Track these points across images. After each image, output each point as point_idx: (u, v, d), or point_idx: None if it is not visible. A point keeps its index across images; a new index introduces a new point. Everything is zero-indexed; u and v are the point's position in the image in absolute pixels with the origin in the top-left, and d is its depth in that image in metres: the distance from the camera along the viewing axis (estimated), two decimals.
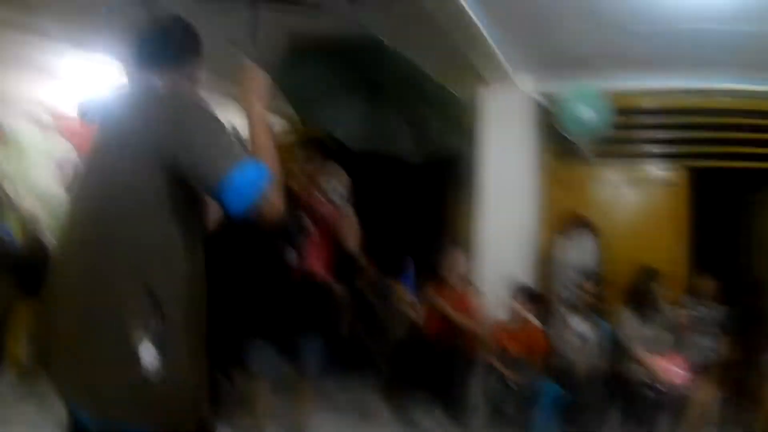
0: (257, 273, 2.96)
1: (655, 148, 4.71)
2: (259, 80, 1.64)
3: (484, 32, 3.85)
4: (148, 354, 1.30)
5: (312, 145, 3.28)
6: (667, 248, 4.52)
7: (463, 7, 3.49)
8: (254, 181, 1.37)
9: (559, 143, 4.74)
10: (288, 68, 3.15)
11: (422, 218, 6.18)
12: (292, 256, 3.05)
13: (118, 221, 1.39)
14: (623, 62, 4.26)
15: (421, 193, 6.20)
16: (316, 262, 3.10)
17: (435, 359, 4.12)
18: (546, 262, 4.67)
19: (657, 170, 4.76)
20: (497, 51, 4.13)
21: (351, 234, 3.09)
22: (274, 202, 1.41)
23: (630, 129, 4.63)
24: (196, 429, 1.47)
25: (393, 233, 6.30)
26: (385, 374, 4.54)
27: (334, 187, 3.02)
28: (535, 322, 4.17)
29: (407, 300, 4.82)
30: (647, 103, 4.66)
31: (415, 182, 6.17)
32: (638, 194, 4.72)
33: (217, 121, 1.44)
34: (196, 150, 1.39)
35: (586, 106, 4.29)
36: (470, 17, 3.61)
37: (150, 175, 1.38)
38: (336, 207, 3.06)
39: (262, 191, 1.37)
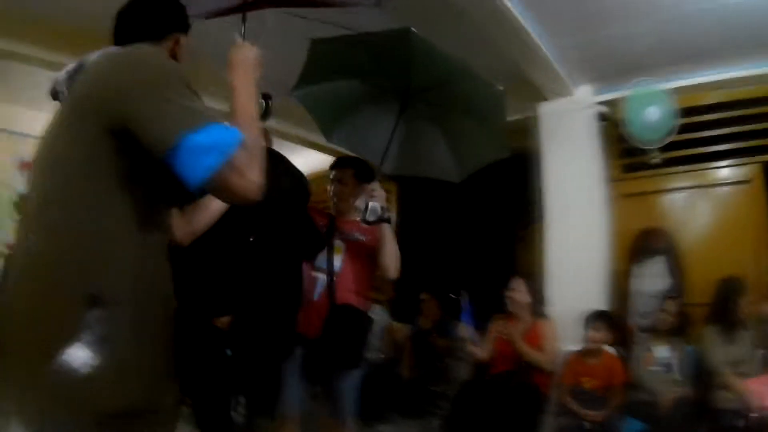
0: (279, 299, 2.72)
1: (725, 146, 4.25)
2: (246, 53, 1.53)
3: (540, 45, 3.72)
4: (81, 353, 1.13)
5: (346, 164, 3.08)
6: (748, 255, 4.03)
7: (518, 21, 3.42)
8: (218, 145, 1.17)
9: (625, 155, 4.44)
10: (309, 77, 3.00)
11: (485, 247, 5.85)
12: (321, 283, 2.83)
13: (58, 203, 1.22)
14: (680, 56, 3.95)
15: (482, 220, 5.92)
16: (349, 290, 2.85)
17: (503, 399, 3.74)
18: (620, 284, 4.27)
19: (728, 170, 4.28)
20: (554, 63, 3.96)
21: (389, 259, 2.83)
22: (246, 175, 1.19)
23: (696, 129, 4.24)
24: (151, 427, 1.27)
25: (454, 264, 6.06)
26: (449, 418, 4.13)
27: (372, 209, 2.74)
28: (613, 351, 3.79)
29: (470, 337, 4.41)
30: (711, 99, 4.24)
31: (472, 209, 5.96)
32: (711, 199, 4.26)
33: (182, 81, 1.25)
34: (148, 107, 1.20)
35: (650, 107, 4.02)
36: (525, 31, 3.53)
37: (93, 145, 1.21)
38: (372, 230, 2.83)
39: (228, 157, 1.16)
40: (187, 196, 1.49)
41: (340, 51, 2.88)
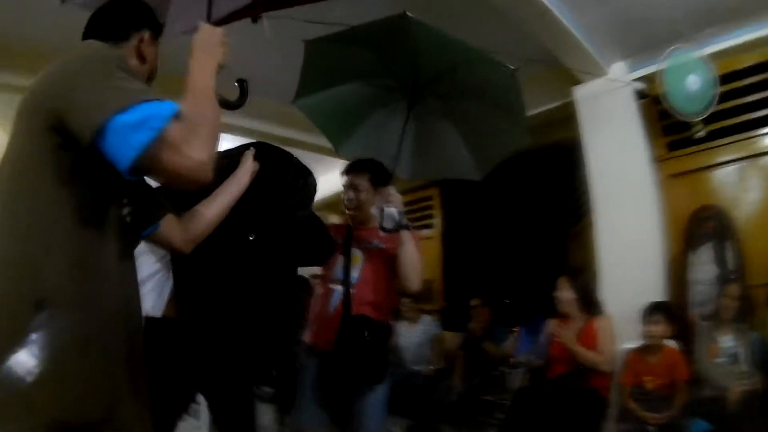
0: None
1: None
2: (207, 34, 1.42)
3: (566, 23, 3.57)
4: (26, 359, 1.08)
5: (361, 168, 2.88)
6: None
7: (545, 5, 3.32)
8: (147, 120, 1.08)
9: (668, 132, 4.13)
10: (309, 84, 2.93)
11: (535, 247, 5.59)
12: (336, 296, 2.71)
13: (3, 204, 1.19)
14: (712, 17, 3.68)
15: (530, 220, 5.66)
16: (366, 302, 2.70)
17: (561, 405, 3.47)
18: (676, 272, 3.95)
19: None
20: (582, 41, 3.78)
21: (409, 268, 2.68)
22: (182, 150, 1.10)
23: (737, 95, 3.88)
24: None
25: (504, 268, 5.83)
26: (505, 428, 3.88)
27: (388, 215, 2.61)
28: (674, 345, 3.52)
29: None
30: (750, 60, 3.85)
31: (520, 209, 5.73)
32: (763, 170, 3.85)
33: (114, 65, 1.19)
34: (76, 94, 1.14)
35: (689, 77, 3.73)
36: (549, 10, 3.40)
37: (36, 145, 1.17)
38: (393, 237, 2.68)
39: (159, 132, 1.08)
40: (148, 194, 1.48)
41: (337, 51, 2.80)
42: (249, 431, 2.36)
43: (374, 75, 2.90)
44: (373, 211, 2.77)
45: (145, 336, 1.42)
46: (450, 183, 6.33)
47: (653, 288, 3.79)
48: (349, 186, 2.84)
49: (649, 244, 3.93)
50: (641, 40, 3.92)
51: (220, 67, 1.37)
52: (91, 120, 1.08)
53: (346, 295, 2.66)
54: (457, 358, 5.17)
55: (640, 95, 4.12)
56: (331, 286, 2.75)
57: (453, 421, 4.64)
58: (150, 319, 2.06)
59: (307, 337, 2.80)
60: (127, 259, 1.33)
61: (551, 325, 3.82)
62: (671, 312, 3.55)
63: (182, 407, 2.28)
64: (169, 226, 1.57)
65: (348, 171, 2.89)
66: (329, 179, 4.44)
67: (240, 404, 2.32)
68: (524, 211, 5.75)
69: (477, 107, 2.93)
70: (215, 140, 1.18)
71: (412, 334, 5.39)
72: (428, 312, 5.70)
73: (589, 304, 3.75)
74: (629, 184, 4.05)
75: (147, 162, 1.08)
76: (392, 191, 2.70)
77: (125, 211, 1.31)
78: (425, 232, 6.49)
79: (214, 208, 1.72)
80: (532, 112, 4.61)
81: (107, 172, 1.15)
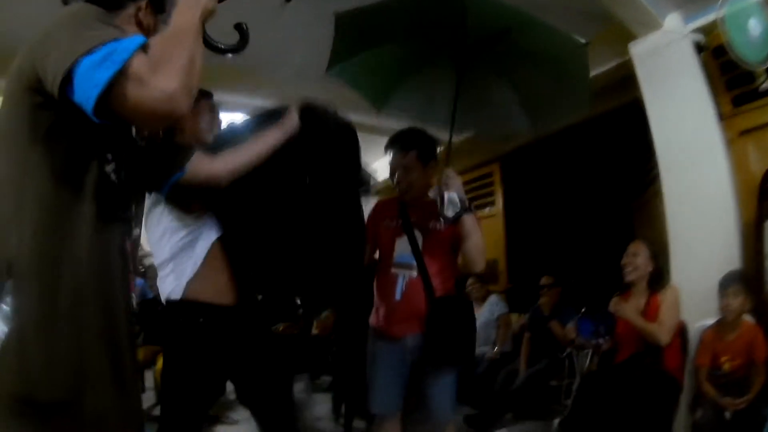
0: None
1: None
2: None
3: None
4: None
5: (406, 146, 2.67)
6: None
7: None
8: (110, 55, 1.01)
9: (731, 85, 3.71)
10: (343, 52, 2.82)
11: (600, 222, 5.25)
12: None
13: None
14: None
15: (594, 193, 5.32)
16: (437, 284, 2.59)
17: (630, 390, 3.20)
18: (749, 241, 3.51)
19: None
20: None
21: (475, 252, 2.55)
22: (149, 82, 1.01)
23: None
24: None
25: (568, 245, 5.53)
26: (571, 416, 3.67)
27: (450, 201, 2.48)
28: (752, 321, 3.16)
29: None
30: None
31: (582, 183, 5.40)
32: None
33: (86, 17, 1.14)
34: (47, 49, 1.08)
35: (749, 22, 3.31)
36: None
37: (17, 105, 1.14)
38: (450, 222, 2.53)
39: (121, 65, 1.00)
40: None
41: (371, 19, 2.66)
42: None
43: (415, 34, 2.75)
44: (432, 195, 2.63)
45: (164, 320, 1.37)
46: (510, 158, 6.09)
47: (727, 260, 3.40)
48: (396, 166, 2.64)
49: (721, 211, 3.54)
50: None
51: (209, 13, 1.23)
52: (59, 68, 1.02)
53: (425, 277, 2.54)
54: (522, 341, 4.94)
55: (699, 48, 3.71)
56: (394, 270, 2.62)
57: (516, 409, 4.45)
58: (170, 303, 2.07)
59: (375, 323, 2.71)
60: (108, 224, 1.22)
61: (613, 302, 3.50)
62: (750, 283, 3.19)
63: (209, 400, 2.23)
64: (200, 162, 1.66)
65: (391, 147, 2.67)
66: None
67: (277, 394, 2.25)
68: (587, 184, 5.42)
69: (533, 70, 2.75)
70: (190, 73, 1.06)
71: (478, 316, 5.12)
72: (493, 292, 5.49)
73: (657, 277, 3.42)
74: (696, 146, 3.67)
75: (113, 99, 1.00)
76: (451, 173, 2.54)
77: (109, 168, 1.22)
78: (486, 210, 6.27)
79: (251, 148, 1.79)
80: (591, 75, 4.40)
81: (87, 130, 1.10)
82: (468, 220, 2.49)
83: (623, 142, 4.64)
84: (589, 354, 4.19)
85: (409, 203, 2.67)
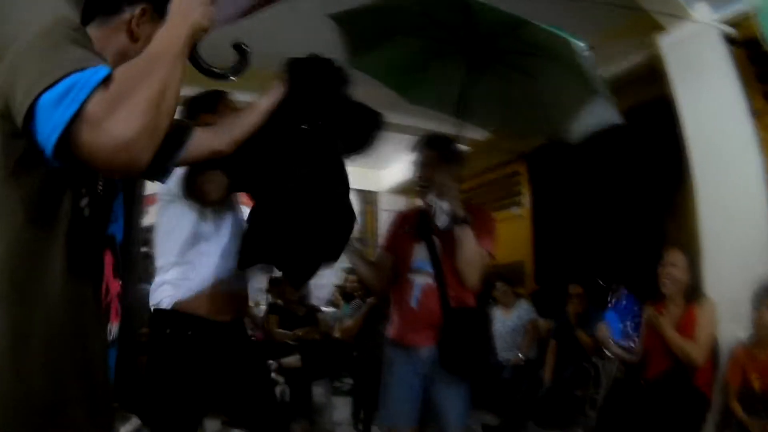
0: None
1: None
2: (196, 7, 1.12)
3: None
4: None
5: (430, 145, 2.65)
6: None
7: None
8: (70, 91, 0.87)
9: (763, 80, 3.51)
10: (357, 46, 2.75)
11: (630, 223, 5.01)
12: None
13: None
14: None
15: (624, 194, 5.08)
16: (455, 290, 2.51)
17: (658, 407, 3.06)
18: None
19: None
20: None
21: (464, 264, 2.44)
22: (101, 125, 0.86)
23: None
24: None
25: (598, 247, 5.31)
26: (596, 428, 3.65)
27: (440, 210, 2.44)
28: None
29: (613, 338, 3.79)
30: None
31: (612, 183, 5.17)
32: None
33: (57, 34, 1.00)
34: (16, 78, 0.96)
35: None
36: None
37: None
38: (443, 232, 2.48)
39: (79, 105, 0.86)
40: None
41: (380, 14, 2.59)
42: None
43: (421, 29, 2.67)
44: (429, 201, 2.54)
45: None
46: (537, 157, 5.88)
47: (762, 267, 3.13)
48: (419, 162, 2.61)
49: (754, 215, 3.29)
50: None
51: (202, 30, 1.12)
52: (22, 106, 0.89)
53: (442, 285, 2.47)
54: (548, 348, 4.76)
55: (729, 40, 3.47)
56: (410, 277, 2.56)
57: (540, 418, 4.30)
58: (159, 311, 2.04)
59: (391, 331, 2.65)
60: (80, 258, 1.10)
61: (647, 312, 3.33)
62: None
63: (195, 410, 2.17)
64: (201, 137, 1.60)
65: (418, 149, 2.66)
66: None
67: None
68: (617, 182, 5.18)
69: (547, 65, 2.61)
70: (156, 111, 0.92)
71: (507, 320, 5.07)
72: (520, 296, 5.33)
73: (694, 288, 3.23)
74: (729, 144, 3.44)
75: (71, 143, 0.87)
76: (445, 180, 2.45)
77: (83, 202, 1.10)
78: (512, 211, 6.08)
79: (247, 118, 1.76)
80: (618, 69, 4.19)
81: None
82: (458, 232, 2.39)
83: (655, 137, 4.41)
84: (616, 363, 4.02)
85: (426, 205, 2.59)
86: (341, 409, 5.01)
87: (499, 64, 2.71)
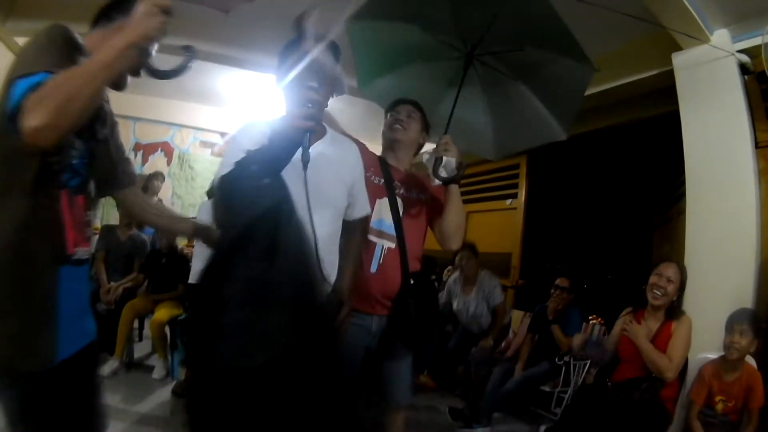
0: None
1: None
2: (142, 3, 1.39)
3: None
4: None
5: (416, 106, 2.63)
6: None
7: None
8: (19, 91, 1.28)
9: None
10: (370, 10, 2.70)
11: (620, 231, 5.11)
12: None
13: None
14: None
15: (617, 202, 5.16)
16: (414, 257, 2.47)
17: (622, 413, 3.15)
18: None
19: None
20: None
21: (453, 225, 2.51)
22: (27, 115, 1.22)
23: None
24: None
25: (586, 247, 5.41)
26: (558, 425, 3.65)
27: (447, 164, 2.46)
28: (753, 364, 3.04)
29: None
30: None
31: (607, 186, 5.25)
32: None
33: (41, 46, 1.41)
34: (10, 74, 1.34)
35: None
36: None
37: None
38: (432, 189, 2.53)
39: (20, 98, 1.26)
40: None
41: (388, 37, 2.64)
42: None
43: (437, 25, 2.64)
44: (426, 157, 2.54)
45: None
46: (538, 152, 5.91)
47: (740, 295, 3.25)
48: (399, 118, 2.54)
49: (742, 243, 3.36)
50: (749, 5, 3.30)
51: (148, 39, 1.37)
52: (6, 94, 1.32)
53: (403, 250, 2.39)
54: (523, 342, 4.84)
55: (744, 70, 3.48)
56: (372, 238, 2.38)
57: (505, 409, 4.41)
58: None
59: None
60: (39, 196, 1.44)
61: (624, 321, 3.42)
62: (759, 324, 3.04)
63: None
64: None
65: (399, 102, 2.61)
66: None
67: None
68: (614, 188, 5.25)
69: (547, 68, 2.64)
70: (64, 111, 1.23)
71: (468, 299, 5.01)
72: (504, 288, 5.36)
73: (677, 305, 3.33)
74: (727, 171, 3.48)
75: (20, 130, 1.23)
76: (450, 140, 2.49)
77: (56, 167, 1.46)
78: (507, 203, 6.13)
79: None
80: (630, 80, 4.21)
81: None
82: (454, 190, 2.44)
83: (657, 152, 4.47)
84: (587, 365, 4.12)
85: (392, 162, 2.55)
86: None
87: (503, 75, 2.75)
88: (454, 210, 2.47)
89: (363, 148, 2.35)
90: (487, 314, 5.03)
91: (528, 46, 2.60)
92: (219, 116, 7.87)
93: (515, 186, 6.25)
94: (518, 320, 5.27)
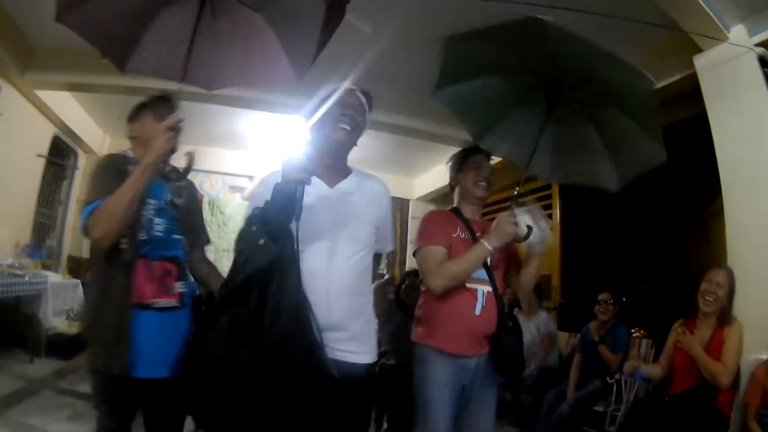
0: None
1: None
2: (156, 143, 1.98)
3: None
4: None
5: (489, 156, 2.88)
6: None
7: None
8: (85, 211, 2.01)
9: None
10: (450, 76, 2.79)
11: (657, 241, 5.11)
12: None
13: None
14: None
15: (652, 209, 5.17)
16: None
17: (677, 421, 3.16)
18: None
19: None
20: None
21: (532, 279, 2.75)
22: (90, 229, 1.97)
23: None
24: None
25: (625, 263, 5.40)
26: None
27: (540, 226, 2.59)
28: None
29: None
30: None
31: (641, 199, 5.25)
32: None
33: (99, 178, 2.10)
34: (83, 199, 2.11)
35: None
36: None
37: None
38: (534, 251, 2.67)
39: (85, 218, 2.00)
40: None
41: (475, 46, 2.61)
42: None
43: (513, 71, 2.70)
44: (519, 220, 2.54)
45: None
46: None
47: None
48: (486, 171, 2.77)
49: None
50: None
51: (164, 155, 1.99)
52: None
53: (497, 293, 2.61)
54: (572, 363, 4.86)
55: (763, 62, 3.53)
56: (472, 286, 2.58)
57: None
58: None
59: (436, 342, 2.59)
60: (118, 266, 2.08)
61: (678, 332, 3.44)
62: None
63: None
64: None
65: (479, 152, 2.84)
66: None
67: None
68: (649, 200, 5.25)
69: (617, 115, 2.65)
70: (110, 220, 1.92)
71: (525, 330, 5.04)
72: (546, 309, 5.41)
73: (728, 310, 3.33)
74: (762, 167, 3.48)
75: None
76: (535, 203, 2.66)
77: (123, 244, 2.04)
78: None
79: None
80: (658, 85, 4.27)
81: None
82: (539, 249, 2.59)
83: (684, 155, 4.49)
84: (641, 381, 4.09)
85: (468, 212, 2.76)
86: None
87: (578, 115, 2.76)
88: (537, 270, 2.68)
89: (442, 214, 2.79)
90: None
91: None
92: (245, 160, 8.14)
93: (549, 207, 6.29)
94: (564, 341, 5.27)
